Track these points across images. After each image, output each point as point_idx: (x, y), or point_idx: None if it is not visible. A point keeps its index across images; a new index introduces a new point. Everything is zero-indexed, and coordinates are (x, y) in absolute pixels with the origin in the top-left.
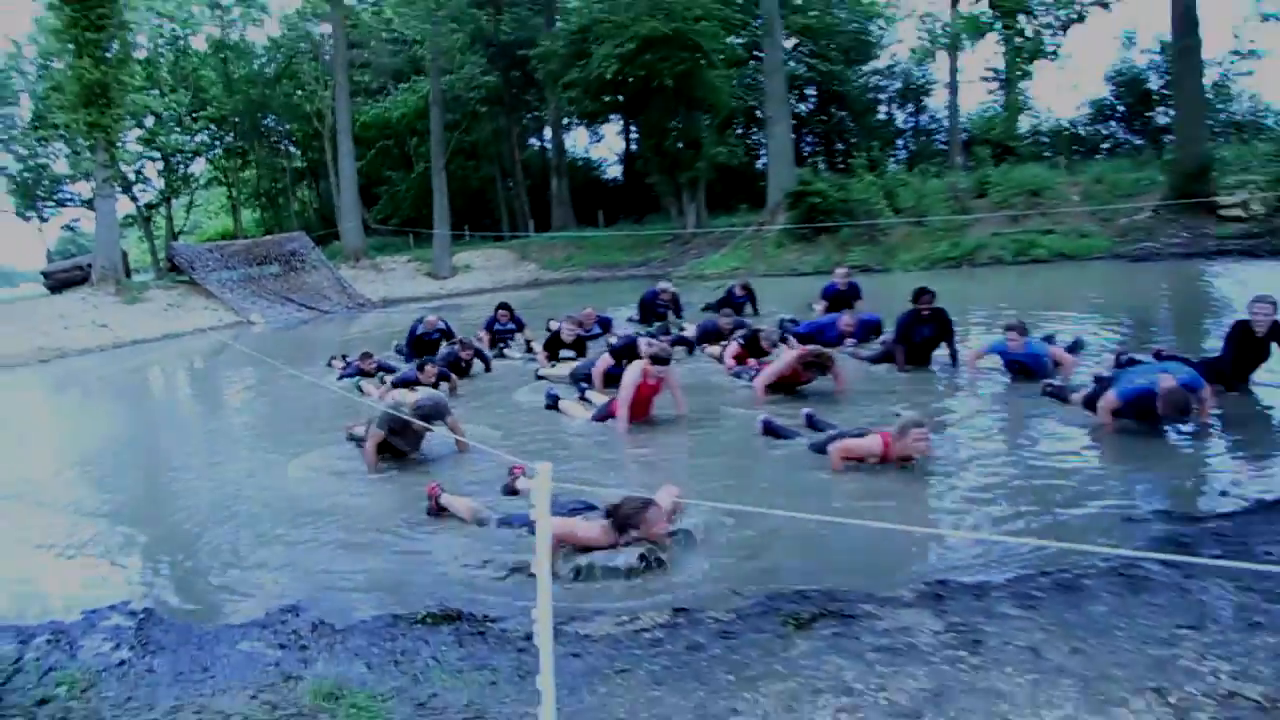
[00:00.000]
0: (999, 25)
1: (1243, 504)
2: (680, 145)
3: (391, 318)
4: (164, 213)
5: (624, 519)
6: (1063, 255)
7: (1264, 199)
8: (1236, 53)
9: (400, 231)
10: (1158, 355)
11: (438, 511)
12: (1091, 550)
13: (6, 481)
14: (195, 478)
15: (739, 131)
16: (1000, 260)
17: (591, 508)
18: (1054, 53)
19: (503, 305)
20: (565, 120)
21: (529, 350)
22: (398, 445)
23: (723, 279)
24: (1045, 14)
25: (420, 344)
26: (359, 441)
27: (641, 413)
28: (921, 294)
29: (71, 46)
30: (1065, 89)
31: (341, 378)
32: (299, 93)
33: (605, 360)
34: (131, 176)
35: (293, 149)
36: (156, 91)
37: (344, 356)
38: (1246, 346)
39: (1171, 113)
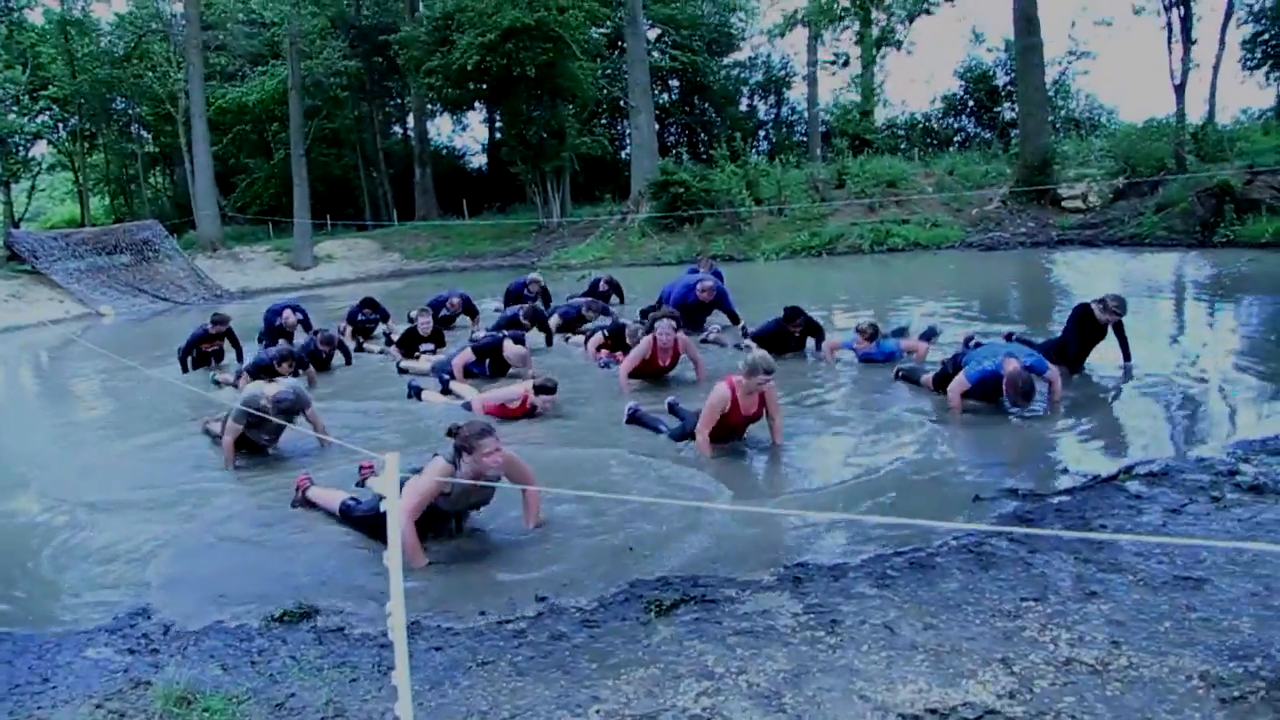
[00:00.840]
0: (851, 12)
1: (1081, 480)
2: (544, 135)
3: (250, 309)
4: (2, 198)
5: (462, 441)
6: (918, 244)
7: (1100, 191)
8: (1073, 53)
9: (259, 220)
10: (1008, 338)
11: (303, 504)
12: (943, 527)
13: None
14: (36, 476)
15: (603, 122)
16: (859, 249)
17: None
18: (901, 42)
19: (367, 301)
20: (429, 108)
21: (389, 343)
22: (256, 439)
23: (588, 268)
24: (895, 6)
25: (277, 335)
26: (216, 437)
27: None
28: (793, 316)
29: None
30: (918, 84)
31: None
32: (150, 74)
33: (466, 355)
34: None
35: (144, 133)
36: None
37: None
38: (1087, 329)
39: (1017, 108)
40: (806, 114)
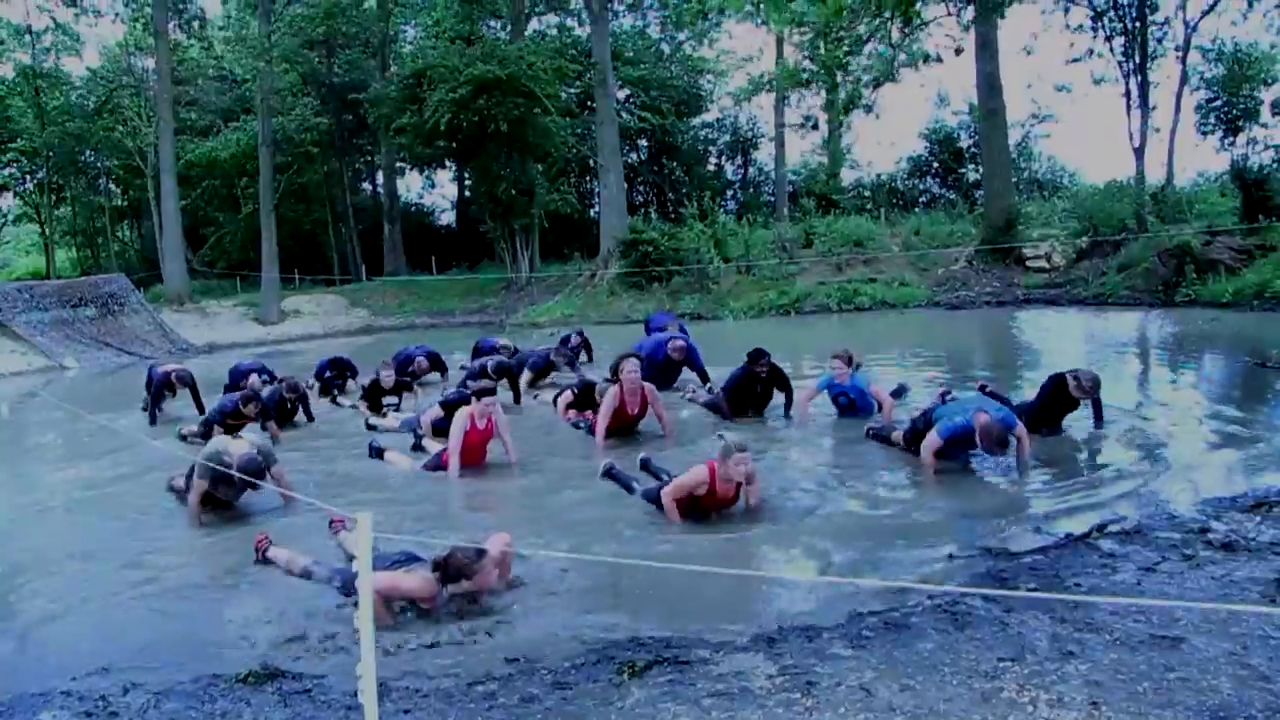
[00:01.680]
0: (819, 78)
1: (1054, 538)
2: (514, 192)
3: (216, 363)
4: None
5: (456, 570)
6: (885, 303)
7: (1064, 251)
8: (1035, 116)
9: (228, 275)
10: (981, 389)
11: (264, 563)
12: (918, 587)
13: None
14: None
15: (572, 180)
16: (827, 308)
17: (416, 559)
18: (868, 107)
19: (335, 361)
20: (398, 165)
21: (362, 398)
22: (219, 495)
23: (556, 326)
24: (860, 72)
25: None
26: (180, 494)
27: (474, 459)
28: (758, 357)
29: None
30: (885, 145)
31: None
32: (120, 128)
33: (434, 411)
34: None
35: (113, 186)
36: None
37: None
38: (1057, 401)
39: (981, 169)
40: (774, 174)
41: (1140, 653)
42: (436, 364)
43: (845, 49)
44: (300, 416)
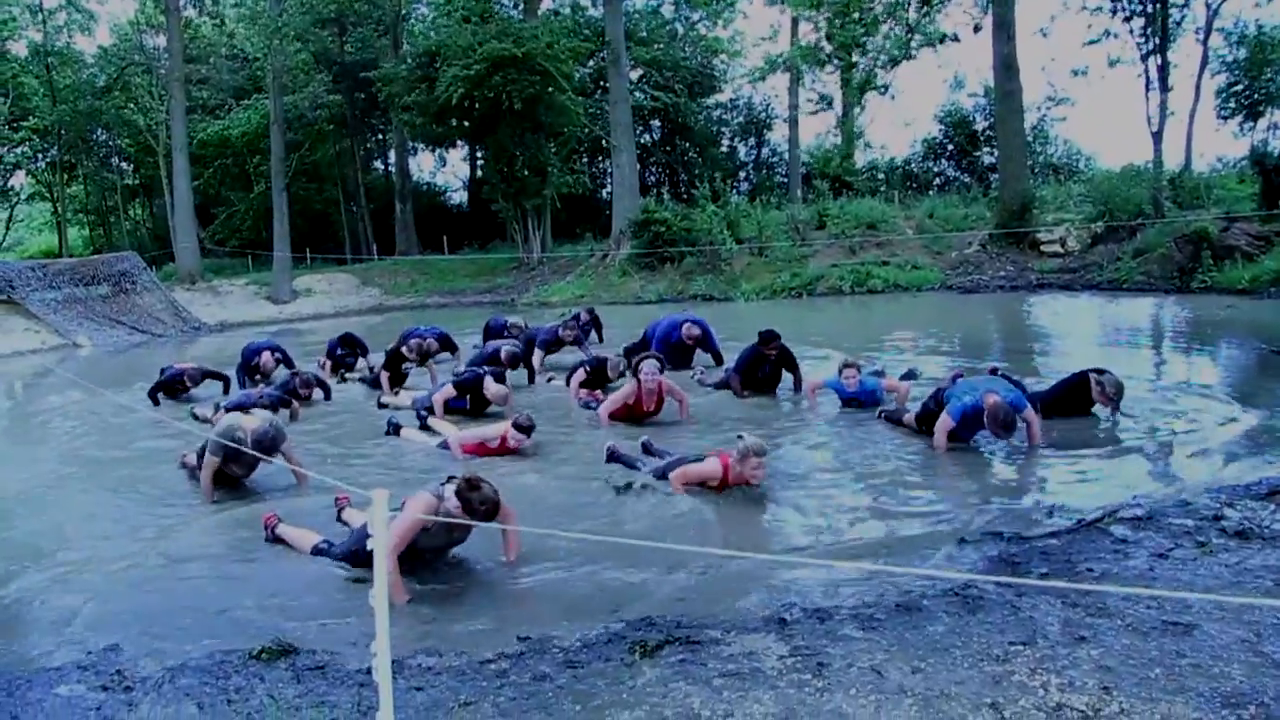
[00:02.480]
0: (836, 56)
1: (1066, 523)
2: (526, 172)
3: (228, 342)
4: None
5: (479, 509)
6: (898, 286)
7: (1079, 236)
8: (1051, 99)
9: (239, 253)
10: (992, 372)
11: (274, 541)
12: (930, 574)
13: None
14: (6, 508)
15: (584, 160)
16: (839, 290)
17: None
18: (884, 88)
19: (346, 338)
20: (410, 144)
21: (371, 373)
22: (230, 472)
23: (568, 306)
24: (877, 51)
25: (253, 373)
26: (193, 470)
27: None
28: (769, 339)
29: None
30: (899, 127)
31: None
32: (132, 106)
33: (447, 390)
34: None
35: (125, 165)
36: None
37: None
38: (1077, 398)
39: (996, 152)
40: (787, 155)
41: (1152, 638)
42: (447, 344)
43: (862, 29)
44: (317, 394)
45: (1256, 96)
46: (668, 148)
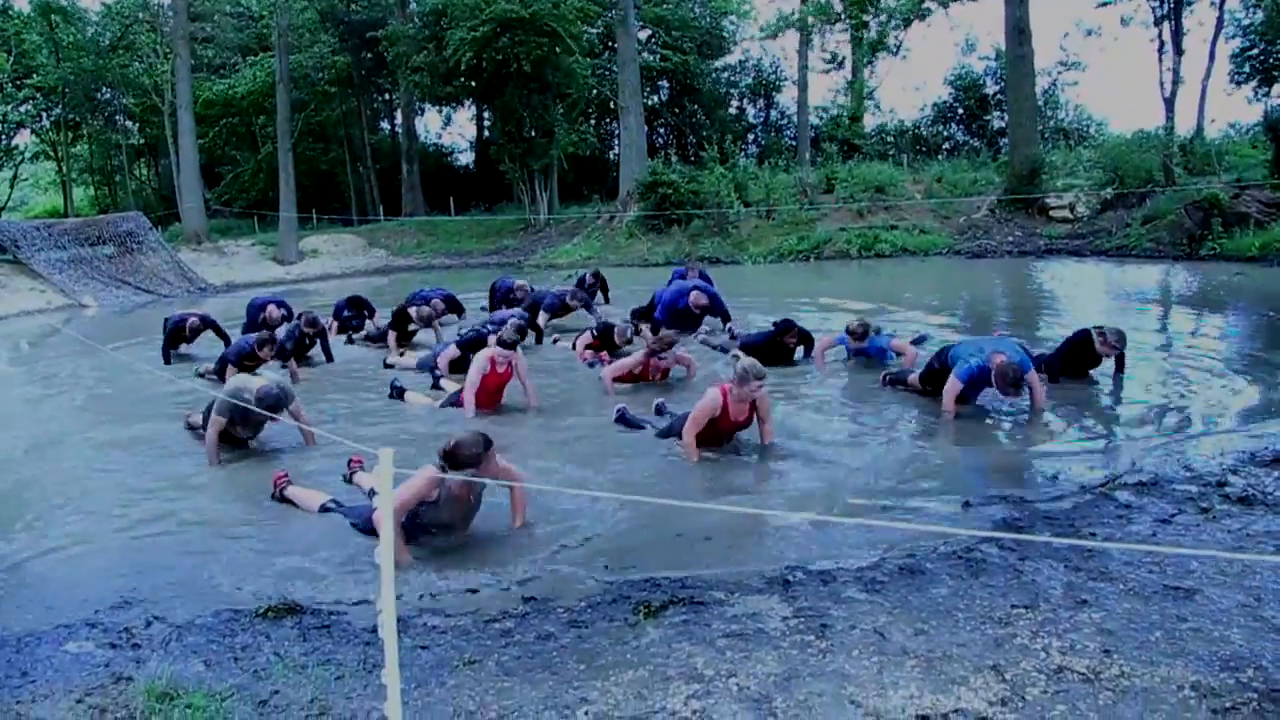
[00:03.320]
0: (848, 12)
1: (1070, 488)
2: (533, 133)
3: (235, 303)
4: None
5: (464, 459)
6: (905, 250)
7: (1088, 202)
8: (1063, 64)
9: (245, 214)
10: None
11: (281, 500)
12: (934, 531)
13: None
14: (14, 467)
15: (592, 122)
16: (847, 254)
17: None
18: (896, 48)
19: (353, 300)
20: (417, 105)
21: (376, 330)
22: (237, 433)
23: (575, 267)
24: (889, 12)
25: (259, 329)
26: (198, 431)
27: (490, 402)
28: (787, 329)
29: None
30: (909, 91)
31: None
32: (136, 65)
33: (451, 351)
34: None
35: (130, 124)
36: None
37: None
38: (1081, 355)
39: (1006, 117)
40: (796, 118)
41: (1153, 603)
42: (453, 305)
43: None
44: (319, 355)
45: (1272, 61)
46: (676, 109)
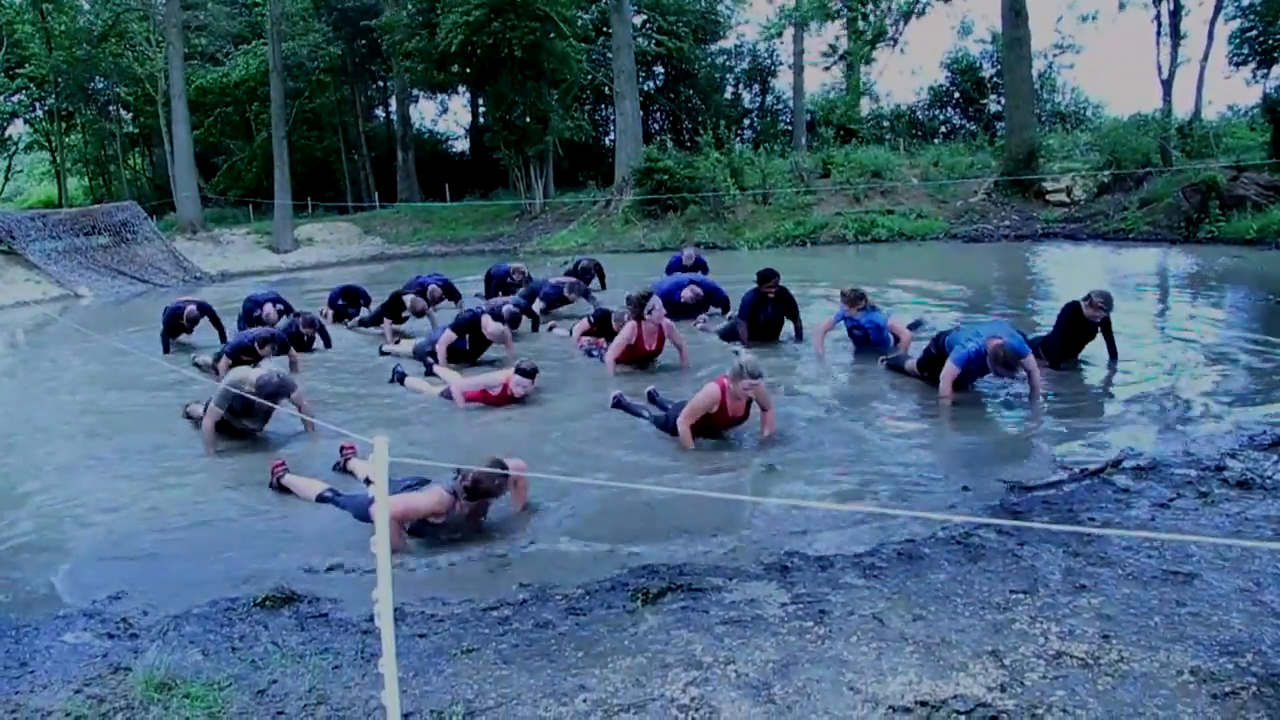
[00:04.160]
0: (845, 10)
1: (1069, 473)
2: (528, 119)
3: (230, 292)
4: None
5: (484, 490)
6: (902, 235)
7: (1085, 185)
8: (1059, 46)
9: (240, 203)
10: None
11: (277, 489)
12: (933, 517)
13: None
14: (11, 458)
15: (587, 107)
16: (843, 239)
17: (428, 483)
18: (895, 40)
19: (348, 291)
20: (411, 92)
21: (371, 314)
22: (240, 425)
23: (570, 254)
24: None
25: (256, 323)
26: (197, 421)
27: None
28: (767, 278)
29: None
30: (905, 75)
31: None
32: (129, 53)
33: (448, 335)
34: None
35: (123, 113)
36: None
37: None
38: (1076, 328)
39: (1003, 101)
40: (792, 103)
41: (1152, 588)
42: (450, 292)
43: None
44: (318, 343)
45: (1272, 42)
46: (671, 94)
